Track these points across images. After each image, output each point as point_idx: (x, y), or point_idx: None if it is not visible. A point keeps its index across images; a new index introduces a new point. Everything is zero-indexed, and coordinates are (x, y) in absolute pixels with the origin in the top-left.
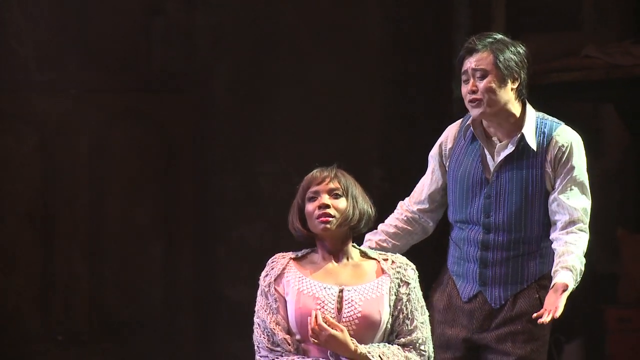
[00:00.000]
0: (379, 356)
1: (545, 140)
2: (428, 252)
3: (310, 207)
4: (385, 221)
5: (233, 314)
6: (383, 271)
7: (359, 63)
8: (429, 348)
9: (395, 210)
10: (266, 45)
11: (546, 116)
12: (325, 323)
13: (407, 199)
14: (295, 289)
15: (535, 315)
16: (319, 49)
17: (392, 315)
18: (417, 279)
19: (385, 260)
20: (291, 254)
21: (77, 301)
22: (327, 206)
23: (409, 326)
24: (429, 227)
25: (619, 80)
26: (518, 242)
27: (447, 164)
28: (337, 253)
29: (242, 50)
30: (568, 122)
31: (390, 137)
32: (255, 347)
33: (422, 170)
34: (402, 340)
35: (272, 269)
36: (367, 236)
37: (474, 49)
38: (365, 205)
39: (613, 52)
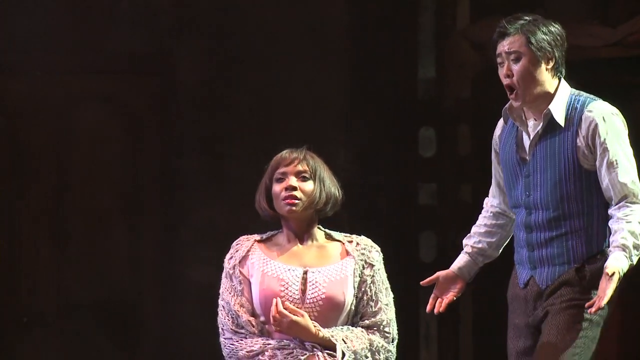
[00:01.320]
0: (342, 339)
1: (577, 115)
2: None
3: (277, 188)
4: (477, 222)
5: (198, 296)
6: (347, 253)
7: (323, 45)
8: (393, 330)
9: (482, 209)
10: (231, 27)
11: (582, 93)
12: (286, 310)
13: (488, 197)
14: (259, 270)
15: (587, 305)
16: (283, 31)
17: (356, 297)
18: (382, 261)
19: (350, 242)
20: (256, 236)
21: (42, 283)
22: (294, 188)
23: (373, 308)
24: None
25: (583, 62)
26: (559, 220)
27: (499, 149)
28: (302, 235)
29: (206, 32)
30: None
31: (355, 119)
32: (220, 330)
33: (388, 152)
34: (366, 322)
35: (237, 251)
36: (464, 241)
37: (506, 32)
38: (332, 188)
39: (576, 33)
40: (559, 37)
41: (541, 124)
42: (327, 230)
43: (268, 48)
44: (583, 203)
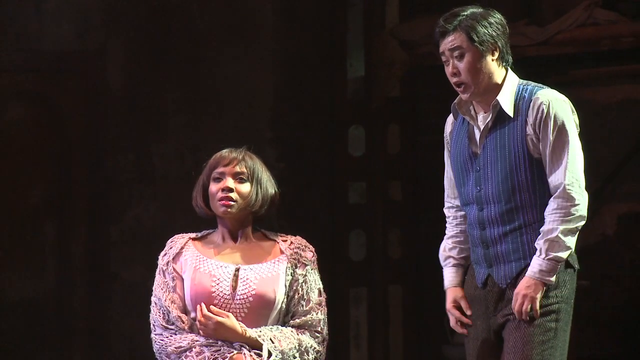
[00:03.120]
0: (270, 339)
1: (525, 104)
2: None
3: (213, 187)
4: (448, 233)
5: (127, 294)
6: (281, 252)
7: (251, 43)
8: (324, 330)
9: (446, 219)
10: (159, 25)
11: (531, 82)
12: (212, 313)
13: (445, 201)
14: (192, 267)
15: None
16: (211, 28)
17: (288, 296)
18: (316, 262)
19: (285, 241)
20: (191, 234)
21: None
22: (231, 190)
23: (304, 307)
24: None
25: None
26: (511, 213)
27: (450, 146)
28: (237, 234)
29: (135, 30)
30: None
31: (284, 117)
32: (151, 326)
33: (317, 151)
34: (297, 321)
35: (171, 248)
36: (446, 254)
37: (446, 30)
38: (270, 189)
39: None
40: (499, 27)
41: (490, 115)
42: (262, 230)
43: (196, 46)
44: (535, 194)
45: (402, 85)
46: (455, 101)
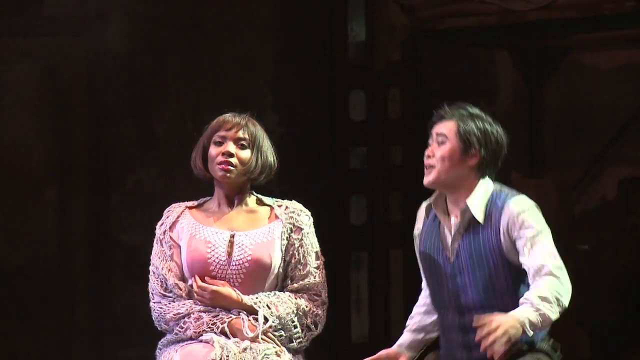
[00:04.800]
0: (267, 305)
1: (497, 211)
2: None
3: (214, 151)
4: (417, 303)
5: (128, 259)
6: (276, 217)
7: (252, 8)
8: (323, 294)
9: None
10: None
11: (504, 189)
12: (207, 283)
13: (423, 286)
14: (188, 234)
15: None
16: None
17: (285, 260)
18: (312, 225)
19: (280, 206)
20: (187, 203)
21: None
22: (231, 155)
23: (302, 271)
24: None
25: (512, 26)
26: None
27: (418, 245)
28: (233, 199)
29: None
30: (464, 69)
31: (284, 82)
32: (150, 294)
33: (317, 115)
34: (295, 285)
35: (168, 217)
36: (407, 321)
37: (443, 116)
38: (269, 158)
39: None
40: (492, 139)
41: (459, 221)
42: (258, 195)
43: (196, 11)
44: (517, 296)
45: (403, 49)
46: (432, 199)
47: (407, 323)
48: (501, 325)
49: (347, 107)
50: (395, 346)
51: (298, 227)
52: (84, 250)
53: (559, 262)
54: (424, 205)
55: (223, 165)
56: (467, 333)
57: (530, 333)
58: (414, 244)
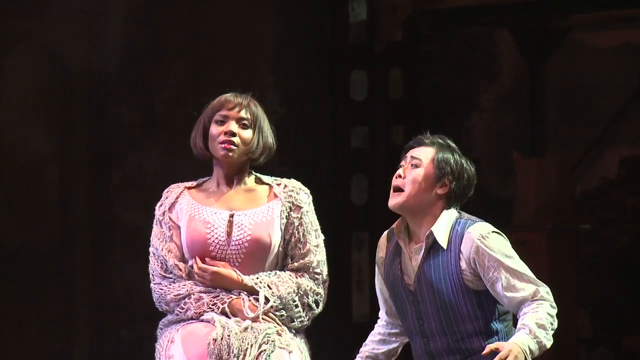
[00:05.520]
0: (268, 285)
1: (457, 238)
2: None
3: (216, 130)
4: (372, 332)
5: (129, 239)
6: (275, 195)
7: None
8: (323, 272)
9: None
10: None
11: (465, 215)
12: (207, 264)
13: (380, 315)
14: (187, 215)
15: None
16: None
17: (284, 239)
18: (311, 203)
19: (279, 185)
20: (186, 183)
21: None
22: (233, 134)
23: (302, 250)
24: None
25: (513, 5)
26: (458, 343)
27: (382, 273)
28: (232, 179)
29: None
30: (465, 49)
31: (286, 62)
32: (150, 276)
33: (318, 94)
34: (295, 264)
35: (167, 198)
36: (362, 348)
37: (422, 141)
38: (269, 139)
39: None
40: (465, 175)
41: (423, 248)
42: (257, 174)
43: None
44: (478, 321)
45: (404, 29)
46: (394, 225)
47: (360, 350)
48: (511, 352)
49: (348, 87)
50: None
51: (297, 205)
52: (85, 230)
53: (545, 287)
54: (385, 233)
55: (225, 145)
56: (434, 359)
57: None
58: (375, 270)
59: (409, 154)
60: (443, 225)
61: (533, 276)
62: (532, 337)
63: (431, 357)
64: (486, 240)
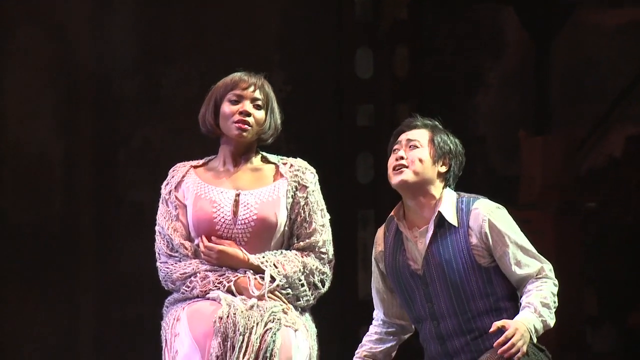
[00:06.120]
0: (274, 264)
1: (465, 215)
2: None
3: (229, 109)
4: (368, 332)
5: (134, 216)
6: (281, 175)
7: None
8: (329, 251)
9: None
10: None
11: (464, 194)
12: (213, 243)
13: (374, 315)
14: (193, 194)
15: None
16: None
17: (290, 218)
18: (317, 183)
19: (285, 164)
20: (192, 162)
21: None
22: (248, 114)
23: (308, 229)
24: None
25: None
26: (469, 323)
27: (383, 267)
28: (239, 158)
29: None
30: (470, 27)
31: (291, 39)
32: (156, 255)
33: (324, 72)
34: (301, 243)
35: (173, 177)
36: (359, 349)
37: (413, 124)
38: (278, 120)
39: None
40: (459, 156)
41: (431, 229)
42: (263, 153)
43: None
44: (489, 298)
45: (410, 7)
46: (393, 212)
47: (357, 351)
48: (517, 330)
49: (354, 65)
50: None
51: (303, 185)
52: (90, 208)
53: (549, 263)
54: (381, 228)
55: (240, 124)
56: (445, 342)
57: (535, 340)
58: (372, 267)
59: (402, 138)
60: (448, 204)
61: (537, 253)
62: (537, 315)
63: (442, 340)
64: (494, 214)
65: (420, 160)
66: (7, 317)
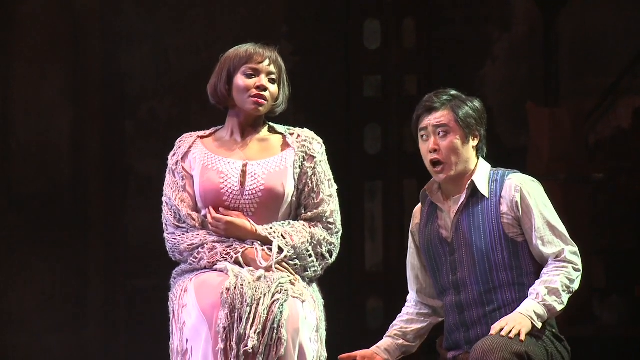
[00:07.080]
0: (282, 235)
1: (498, 186)
2: None
3: (244, 82)
4: (400, 312)
5: (142, 187)
6: (288, 145)
7: None
8: (337, 221)
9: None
10: None
11: (500, 168)
12: (220, 214)
13: (409, 296)
14: (200, 164)
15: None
16: None
17: (298, 189)
18: (324, 153)
19: (292, 134)
20: (199, 133)
21: None
22: (265, 89)
23: (315, 199)
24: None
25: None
26: (490, 294)
27: (418, 240)
28: (247, 128)
29: None
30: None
31: (299, 11)
32: (164, 225)
33: (332, 43)
34: (309, 214)
35: (179, 147)
36: (391, 327)
37: (432, 106)
38: (288, 93)
39: None
40: (483, 115)
41: (463, 196)
42: (270, 124)
43: None
44: (513, 272)
45: None
46: (426, 187)
47: (388, 329)
48: (509, 321)
49: (362, 36)
50: (372, 347)
51: (310, 155)
52: (98, 178)
53: (574, 247)
54: (418, 205)
55: (256, 99)
56: (463, 311)
57: (539, 325)
58: (409, 242)
59: (427, 125)
60: (481, 174)
61: (565, 233)
62: (538, 301)
63: (460, 310)
64: (527, 185)
65: (455, 150)
66: (17, 287)
